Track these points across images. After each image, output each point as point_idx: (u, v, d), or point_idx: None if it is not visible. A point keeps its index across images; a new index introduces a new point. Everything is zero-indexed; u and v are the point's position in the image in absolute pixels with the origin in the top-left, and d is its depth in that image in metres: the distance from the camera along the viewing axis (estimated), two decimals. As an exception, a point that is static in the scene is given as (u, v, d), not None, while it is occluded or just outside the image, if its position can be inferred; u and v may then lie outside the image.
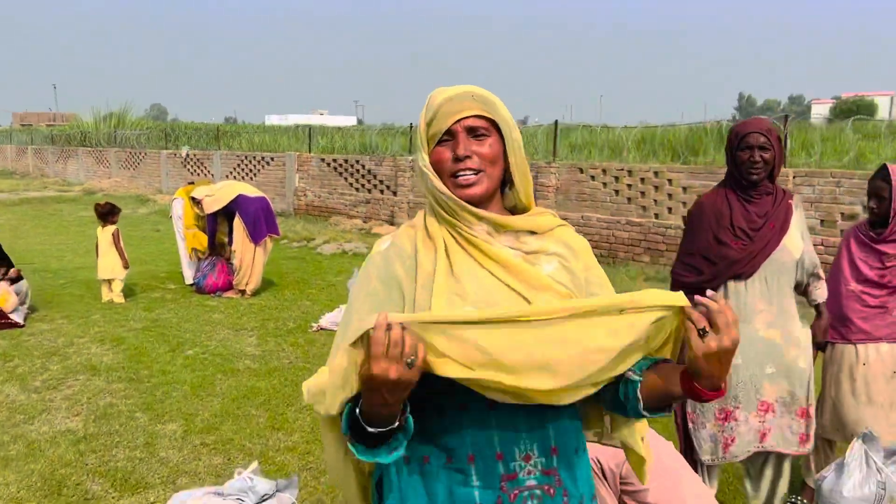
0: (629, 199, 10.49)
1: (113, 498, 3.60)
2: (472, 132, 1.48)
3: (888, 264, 3.15)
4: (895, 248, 3.16)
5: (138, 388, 5.11)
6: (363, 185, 14.82)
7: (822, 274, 3.11)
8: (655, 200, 10.24)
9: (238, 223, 7.98)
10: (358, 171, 14.89)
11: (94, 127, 29.38)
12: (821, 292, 3.13)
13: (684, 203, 9.89)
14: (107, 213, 7.76)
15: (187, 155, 19.84)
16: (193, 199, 8.30)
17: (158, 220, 15.01)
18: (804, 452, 3.09)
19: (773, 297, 2.98)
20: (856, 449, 2.95)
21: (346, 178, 15.18)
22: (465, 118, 1.48)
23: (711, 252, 3.00)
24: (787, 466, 3.15)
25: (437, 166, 1.50)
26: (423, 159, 1.51)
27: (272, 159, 17.04)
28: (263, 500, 3.03)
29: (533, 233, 1.54)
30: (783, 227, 2.96)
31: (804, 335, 3.07)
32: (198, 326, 6.83)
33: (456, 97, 1.48)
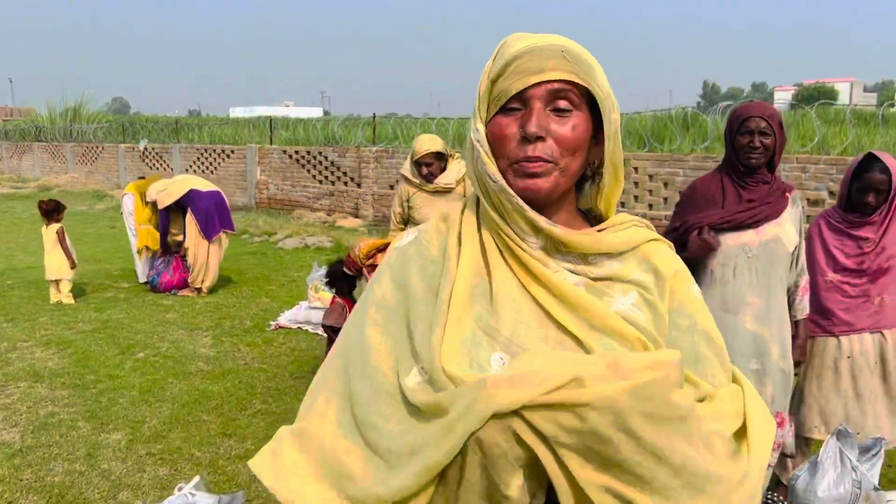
0: (595, 187, 10.37)
1: (47, 517, 3.36)
2: (554, 104, 1.06)
3: (866, 249, 3.03)
4: (873, 231, 3.03)
5: (83, 395, 4.84)
6: (326, 178, 14.53)
7: (806, 285, 2.98)
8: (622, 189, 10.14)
9: (190, 219, 7.68)
10: (321, 162, 14.60)
11: (49, 121, 28.56)
12: (803, 307, 3.00)
13: (650, 191, 9.80)
14: (51, 211, 7.42)
15: (145, 149, 19.35)
16: (151, 203, 7.98)
17: (115, 217, 14.54)
18: (771, 462, 2.94)
19: (763, 291, 2.84)
20: (830, 446, 2.83)
21: (308, 171, 14.88)
22: (547, 82, 1.05)
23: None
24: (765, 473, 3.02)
25: (494, 143, 1.09)
26: (476, 128, 1.11)
27: (232, 152, 16.66)
28: (205, 518, 2.82)
29: (609, 254, 1.13)
30: (771, 214, 2.82)
31: (789, 332, 2.93)
32: (150, 327, 6.55)
33: (539, 49, 1.05)
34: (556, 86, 1.05)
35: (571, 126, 1.06)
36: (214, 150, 17.29)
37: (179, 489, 2.88)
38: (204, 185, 7.91)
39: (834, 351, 3.13)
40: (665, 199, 9.68)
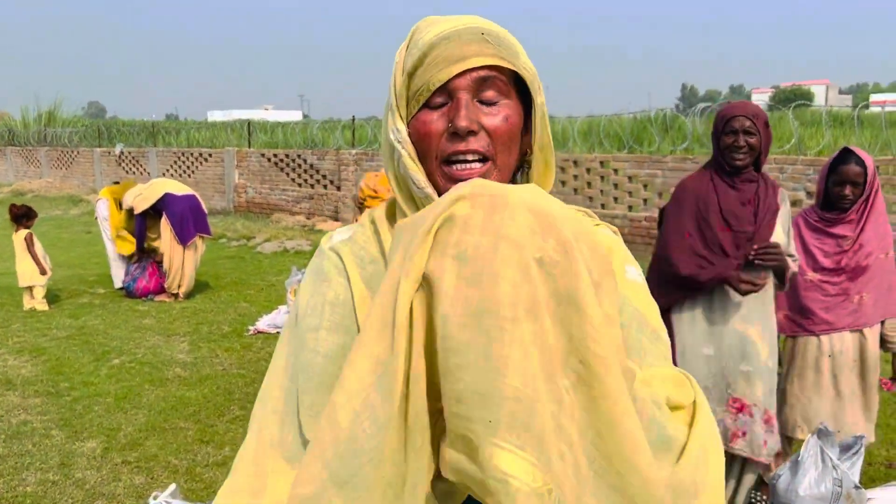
0: (575, 189, 10.38)
1: (18, 528, 3.28)
2: (481, 94, 0.97)
3: (844, 247, 3.04)
4: (850, 229, 3.04)
5: (56, 403, 4.75)
6: (306, 181, 14.44)
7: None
8: (601, 190, 10.16)
9: (165, 223, 7.58)
10: (300, 165, 14.50)
11: (23, 125, 28.15)
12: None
13: (630, 192, 9.83)
14: (21, 216, 7.29)
15: (121, 153, 19.12)
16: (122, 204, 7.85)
17: (90, 222, 14.32)
18: (764, 461, 2.92)
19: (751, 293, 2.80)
20: (811, 445, 2.82)
21: (287, 174, 14.78)
22: (472, 70, 0.96)
23: (708, 240, 2.82)
24: (749, 476, 2.99)
25: (419, 142, 0.99)
26: (397, 128, 1.00)
27: (210, 155, 16.51)
28: (181, 527, 2.76)
29: None
30: (773, 216, 2.81)
31: (776, 333, 2.92)
32: (126, 333, 6.45)
33: (457, 34, 0.96)
34: (482, 73, 0.96)
35: (503, 117, 0.98)
36: (192, 154, 17.12)
37: (155, 497, 2.82)
38: (179, 188, 7.81)
39: (815, 350, 3.13)
40: (645, 201, 9.71)
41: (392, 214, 1.08)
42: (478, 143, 0.96)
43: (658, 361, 1.00)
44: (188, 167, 17.08)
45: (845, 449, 2.86)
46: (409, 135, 1.00)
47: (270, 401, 1.04)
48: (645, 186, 9.71)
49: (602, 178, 10.16)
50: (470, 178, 0.95)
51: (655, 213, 9.42)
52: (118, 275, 8.09)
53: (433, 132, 0.97)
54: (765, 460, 2.90)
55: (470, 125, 0.95)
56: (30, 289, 7.29)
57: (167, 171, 17.53)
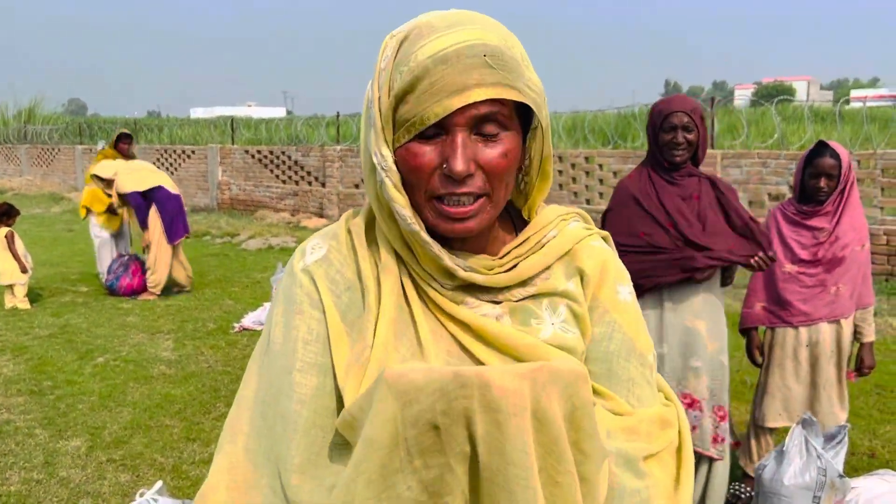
0: (560, 185, 10.41)
1: (2, 528, 3.25)
2: (481, 128, 0.89)
3: (821, 239, 3.07)
4: (827, 221, 3.07)
5: (40, 402, 4.70)
6: (290, 177, 14.37)
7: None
8: (587, 186, 10.20)
9: (155, 217, 7.51)
10: (284, 162, 14.44)
11: (1, 123, 27.82)
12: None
13: (614, 188, 9.87)
14: (1, 215, 7.20)
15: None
16: (99, 178, 7.67)
17: (72, 220, 14.22)
18: (715, 456, 2.86)
19: (702, 286, 2.79)
20: (795, 435, 2.85)
21: (272, 171, 14.71)
22: (472, 105, 0.86)
23: (654, 238, 2.76)
24: (718, 470, 2.90)
25: (408, 173, 0.91)
26: (381, 154, 0.91)
27: (193, 152, 16.40)
28: (168, 524, 2.75)
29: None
30: (717, 211, 2.78)
31: (725, 327, 2.89)
32: (110, 331, 6.39)
33: (456, 57, 0.85)
34: (484, 108, 0.86)
35: (502, 152, 0.89)
36: (175, 151, 17.00)
37: (141, 495, 2.80)
38: (171, 185, 7.77)
39: (793, 341, 3.17)
40: (629, 196, 9.75)
41: (371, 226, 1.01)
42: (473, 184, 0.89)
43: (645, 390, 1.03)
44: (171, 164, 16.96)
45: (829, 438, 2.89)
46: (395, 162, 0.91)
47: (241, 436, 1.00)
48: (629, 181, 9.74)
49: (587, 173, 10.19)
50: (462, 217, 0.90)
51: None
52: (105, 262, 8.03)
53: (424, 167, 0.89)
54: (714, 455, 2.85)
55: (467, 169, 0.87)
56: (11, 287, 7.21)
57: (150, 168, 17.38)
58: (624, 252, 2.82)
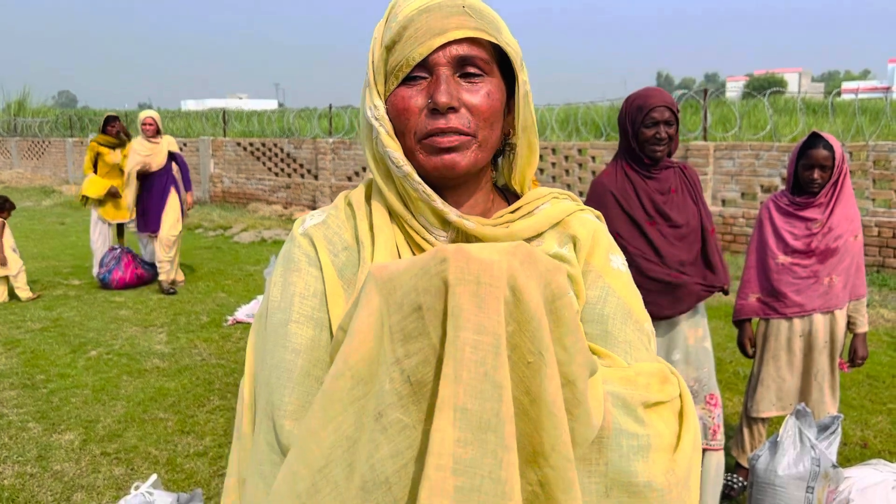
0: (553, 177, 10.42)
1: (-4, 522, 3.24)
2: (462, 69, 0.95)
3: (814, 230, 3.08)
4: (820, 212, 3.08)
5: (33, 395, 4.68)
6: (283, 170, 14.32)
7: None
8: (580, 178, 10.20)
9: (176, 173, 7.57)
10: (277, 154, 14.38)
11: (-10, 115, 27.60)
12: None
13: (608, 180, 9.88)
14: None
15: (95, 142, 18.82)
16: (112, 126, 7.71)
17: (63, 213, 14.17)
18: (717, 448, 2.85)
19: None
20: (789, 426, 2.87)
21: (264, 163, 14.65)
22: (452, 44, 0.93)
23: (637, 239, 2.71)
24: (713, 463, 2.88)
25: (398, 119, 0.96)
26: (374, 105, 0.98)
27: (185, 145, 16.31)
28: (164, 517, 2.74)
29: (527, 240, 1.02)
30: (696, 200, 2.79)
31: (704, 314, 2.88)
32: (103, 325, 6.37)
33: (436, 7, 0.94)
34: (463, 48, 0.93)
35: (485, 93, 0.95)
36: (166, 144, 16.90)
37: (136, 488, 2.80)
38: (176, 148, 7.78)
39: (787, 332, 3.18)
40: (622, 188, 9.76)
41: (370, 196, 1.05)
42: (458, 120, 0.93)
43: (642, 354, 1.00)
44: (163, 157, 16.87)
45: (823, 429, 2.91)
46: (388, 111, 0.97)
47: (247, 411, 1.02)
48: (622, 173, 9.75)
49: (580, 165, 10.20)
50: (451, 147, 0.93)
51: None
52: (99, 253, 7.97)
53: (412, 108, 0.95)
54: (714, 447, 2.84)
55: (450, 101, 0.92)
56: (5, 279, 7.17)
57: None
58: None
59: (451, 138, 0.94)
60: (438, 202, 0.97)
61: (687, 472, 0.90)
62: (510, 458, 0.70)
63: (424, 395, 0.74)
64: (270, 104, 67.85)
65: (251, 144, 14.92)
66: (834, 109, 11.37)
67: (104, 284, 7.69)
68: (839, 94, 15.59)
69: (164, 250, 7.44)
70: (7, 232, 7.17)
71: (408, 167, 0.96)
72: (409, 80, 0.95)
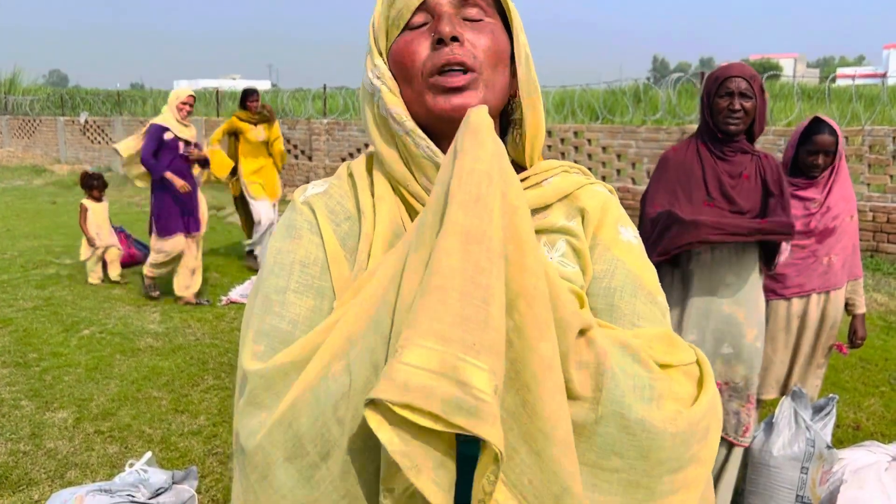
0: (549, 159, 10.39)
1: (-11, 499, 3.22)
2: (464, 12, 0.94)
3: (812, 210, 3.07)
4: (818, 192, 3.07)
5: (25, 374, 4.66)
6: (277, 151, 14.23)
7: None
8: (576, 161, 10.17)
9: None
10: (270, 135, 14.28)
11: (-20, 94, 27.28)
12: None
13: (603, 163, 9.86)
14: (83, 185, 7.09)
15: (86, 122, 18.67)
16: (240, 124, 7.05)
17: (55, 192, 14.05)
18: (744, 444, 2.82)
19: (743, 268, 2.63)
20: (784, 407, 2.88)
21: (258, 144, 14.55)
22: None
23: (681, 211, 2.52)
24: (734, 457, 2.84)
25: (401, 67, 0.95)
26: (375, 64, 0.97)
27: (179, 125, 16.18)
28: (158, 494, 2.73)
29: (535, 210, 0.99)
30: (766, 186, 2.60)
31: (763, 312, 2.76)
32: (96, 304, 6.33)
33: None
34: None
35: (489, 31, 0.94)
36: (159, 123, 16.77)
37: (131, 465, 2.79)
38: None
39: (785, 312, 3.18)
40: (618, 171, 9.75)
41: (371, 168, 1.03)
42: (463, 53, 0.91)
43: (655, 325, 0.96)
44: (155, 137, 16.74)
45: (817, 410, 2.92)
46: (390, 66, 0.96)
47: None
48: (618, 157, 9.73)
49: (576, 148, 10.17)
50: (459, 87, 0.91)
51: (629, 184, 9.47)
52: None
53: (415, 50, 0.93)
54: (741, 443, 2.80)
55: (453, 30, 0.91)
56: (100, 259, 7.09)
57: (134, 140, 17.17)
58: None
59: (458, 77, 0.91)
60: (441, 156, 0.94)
61: (698, 424, 0.86)
62: (495, 269, 0.71)
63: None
64: (264, 85, 67.33)
65: (245, 125, 14.81)
66: (830, 95, 11.36)
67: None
68: (834, 79, 15.55)
69: (198, 252, 6.54)
70: (91, 215, 6.97)
71: (410, 123, 0.94)
72: (409, 26, 0.94)
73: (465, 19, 0.94)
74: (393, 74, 0.97)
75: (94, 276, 7.05)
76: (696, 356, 0.94)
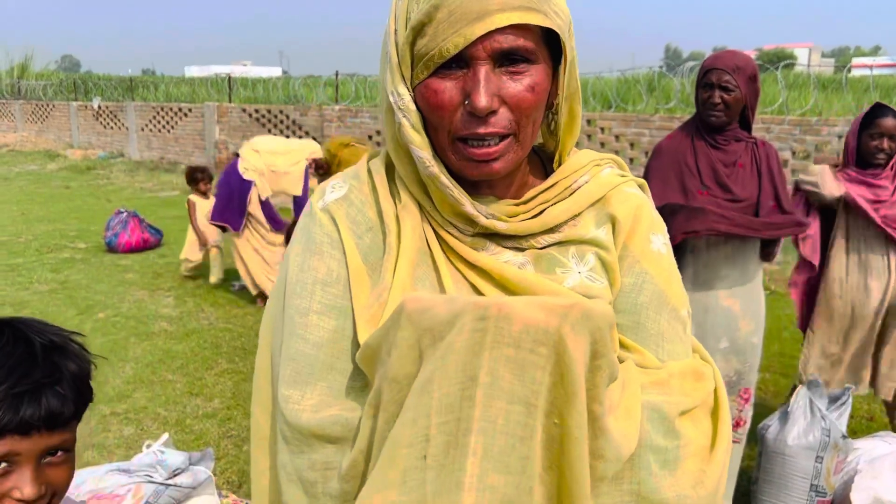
0: (561, 148, 10.36)
1: (8, 478, 3.26)
2: (508, 60, 0.83)
3: (882, 197, 3.04)
4: (889, 181, 3.06)
5: (41, 356, 4.70)
6: (288, 137, 14.23)
7: None
8: (589, 149, 10.15)
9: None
10: (282, 121, 14.29)
11: (-6, 78, 27.41)
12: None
13: (617, 151, 9.82)
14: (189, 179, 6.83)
15: (99, 107, 18.73)
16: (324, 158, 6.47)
17: (69, 177, 14.13)
18: (737, 440, 2.79)
19: (739, 260, 2.60)
20: (800, 396, 2.87)
21: (269, 130, 14.55)
22: (494, 33, 0.80)
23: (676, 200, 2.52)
24: (734, 451, 2.80)
25: (429, 113, 0.86)
26: (398, 92, 0.86)
27: (190, 111, 16.21)
28: (175, 475, 2.76)
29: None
30: (760, 175, 2.56)
31: (762, 306, 2.74)
32: (110, 287, 6.38)
33: None
34: (508, 39, 0.81)
35: (529, 86, 0.83)
36: (171, 109, 16.80)
37: (148, 446, 2.82)
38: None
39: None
40: (631, 160, 9.70)
41: (391, 168, 0.97)
42: (498, 123, 0.83)
43: (676, 346, 0.97)
44: (167, 122, 16.78)
45: (833, 400, 2.91)
46: (415, 101, 0.87)
47: (260, 393, 1.03)
48: (632, 145, 9.69)
49: (589, 136, 10.13)
50: (488, 158, 0.85)
51: (642, 173, 9.42)
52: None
53: (446, 104, 0.84)
54: (734, 439, 2.75)
55: (490, 104, 0.81)
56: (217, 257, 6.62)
57: (146, 126, 17.22)
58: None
59: (490, 149, 0.85)
60: (468, 205, 0.90)
61: (717, 482, 0.90)
62: None
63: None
64: (275, 71, 67.27)
65: (256, 111, 14.82)
66: (847, 85, 11.25)
67: (110, 248, 7.68)
68: (850, 70, 15.43)
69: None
70: (199, 210, 6.57)
71: (435, 168, 0.87)
72: (441, 69, 0.84)
73: (505, 65, 0.84)
74: (417, 107, 0.88)
75: (214, 276, 6.52)
76: (714, 382, 0.97)
